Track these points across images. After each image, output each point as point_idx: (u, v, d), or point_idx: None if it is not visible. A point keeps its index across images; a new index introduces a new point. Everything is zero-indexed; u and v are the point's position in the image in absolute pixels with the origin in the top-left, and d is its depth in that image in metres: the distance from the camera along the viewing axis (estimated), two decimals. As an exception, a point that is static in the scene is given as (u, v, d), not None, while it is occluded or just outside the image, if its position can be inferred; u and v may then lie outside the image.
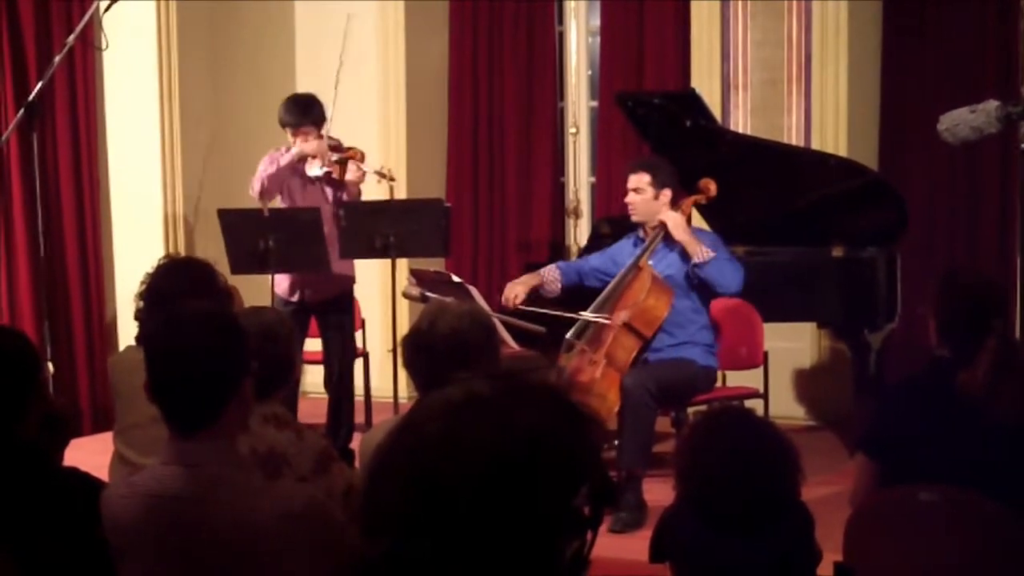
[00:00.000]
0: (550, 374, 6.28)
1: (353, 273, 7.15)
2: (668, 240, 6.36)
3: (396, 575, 1.66)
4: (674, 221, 6.32)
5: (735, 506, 3.08)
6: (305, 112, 6.96)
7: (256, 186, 6.94)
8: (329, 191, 7.03)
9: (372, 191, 7.41)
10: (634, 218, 6.46)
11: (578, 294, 6.55)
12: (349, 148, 7.05)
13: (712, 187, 6.53)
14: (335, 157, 6.96)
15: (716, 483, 3.09)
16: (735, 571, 3.14)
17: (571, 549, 1.69)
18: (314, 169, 6.94)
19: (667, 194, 6.38)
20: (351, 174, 6.97)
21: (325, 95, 7.06)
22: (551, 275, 6.57)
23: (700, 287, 6.31)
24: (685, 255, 6.29)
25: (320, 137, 6.93)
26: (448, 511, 1.63)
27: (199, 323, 2.92)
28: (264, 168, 6.95)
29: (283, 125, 7.00)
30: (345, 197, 6.97)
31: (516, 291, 6.42)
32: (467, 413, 1.69)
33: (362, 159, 7.03)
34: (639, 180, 6.38)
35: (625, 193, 6.46)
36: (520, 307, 6.34)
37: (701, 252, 6.22)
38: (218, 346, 2.88)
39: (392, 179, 7.30)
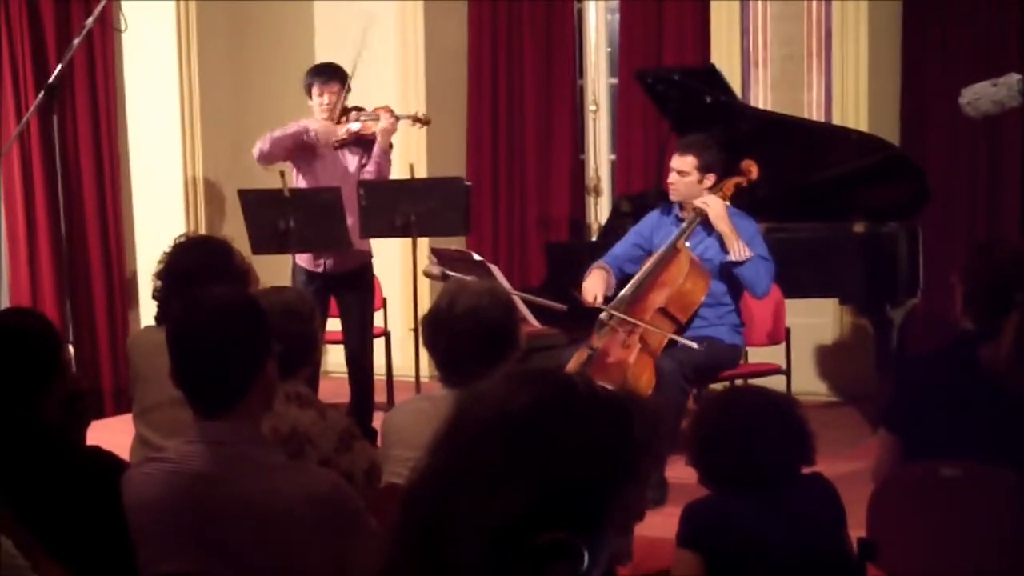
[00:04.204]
0: (571, 352, 6.26)
1: (369, 248, 7.12)
2: (706, 224, 6.26)
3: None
4: (716, 211, 6.18)
5: (740, 465, 3.20)
6: (333, 71, 6.97)
7: (257, 149, 6.89)
8: (353, 160, 6.98)
9: (405, 146, 7.23)
10: (673, 198, 6.33)
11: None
12: (375, 109, 6.97)
13: (754, 169, 6.42)
14: (363, 117, 6.90)
15: (711, 444, 3.26)
16: (764, 544, 3.16)
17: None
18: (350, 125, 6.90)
19: (711, 178, 6.26)
20: (383, 122, 6.85)
21: (346, 67, 7.05)
22: (607, 271, 6.45)
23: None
24: (723, 243, 6.22)
25: (345, 97, 6.91)
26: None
27: (222, 309, 2.92)
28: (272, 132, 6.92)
29: (308, 86, 6.95)
30: (377, 148, 6.85)
31: (596, 290, 6.26)
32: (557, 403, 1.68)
33: (390, 112, 6.96)
34: (684, 162, 6.25)
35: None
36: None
37: (738, 249, 6.11)
38: (242, 331, 2.88)
39: (427, 121, 7.20)
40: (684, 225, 6.30)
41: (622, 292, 6.27)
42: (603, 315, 6.22)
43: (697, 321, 6.24)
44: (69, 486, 2.98)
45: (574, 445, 1.63)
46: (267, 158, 6.92)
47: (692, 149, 6.31)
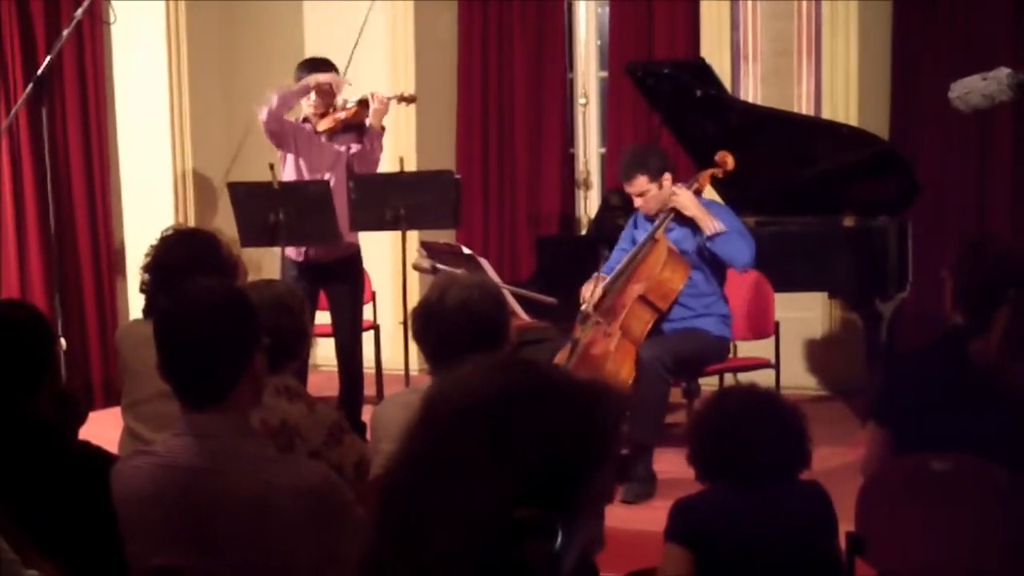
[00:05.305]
0: (560, 345, 6.27)
1: (356, 238, 7.09)
2: (679, 216, 6.31)
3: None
4: (684, 201, 6.25)
5: (734, 459, 3.23)
6: (324, 64, 6.99)
7: (264, 111, 6.78)
8: (343, 150, 6.95)
9: (395, 138, 7.23)
10: (651, 214, 6.39)
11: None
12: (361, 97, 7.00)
13: (729, 160, 6.47)
14: (350, 104, 6.94)
15: (707, 437, 3.30)
16: (754, 541, 3.16)
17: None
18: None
19: (668, 177, 6.31)
20: (375, 103, 6.87)
21: (337, 62, 7.07)
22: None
23: (712, 260, 6.29)
24: (698, 229, 6.25)
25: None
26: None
27: (210, 301, 2.91)
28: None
29: (299, 79, 6.93)
30: (371, 130, 6.87)
31: (589, 288, 6.32)
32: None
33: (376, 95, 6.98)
34: (638, 184, 6.30)
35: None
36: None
37: (713, 225, 6.18)
38: (230, 324, 2.87)
39: (413, 99, 7.28)
40: (658, 222, 6.34)
41: (603, 284, 6.30)
42: (585, 306, 6.25)
43: (684, 311, 6.27)
44: (59, 480, 2.97)
45: (544, 431, 1.66)
46: (274, 117, 6.82)
47: (634, 169, 6.34)
